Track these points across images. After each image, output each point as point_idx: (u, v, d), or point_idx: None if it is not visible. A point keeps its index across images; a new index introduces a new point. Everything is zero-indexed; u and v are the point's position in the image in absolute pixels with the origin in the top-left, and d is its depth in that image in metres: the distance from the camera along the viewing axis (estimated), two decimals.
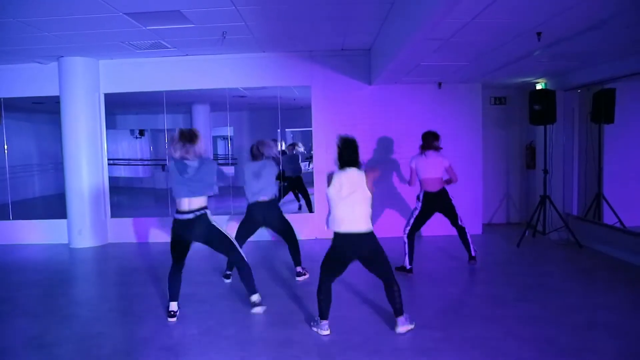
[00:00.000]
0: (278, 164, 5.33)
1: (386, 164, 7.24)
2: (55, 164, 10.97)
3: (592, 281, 5.03)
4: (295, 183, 8.84)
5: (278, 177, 5.31)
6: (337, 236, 3.70)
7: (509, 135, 8.26)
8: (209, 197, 4.10)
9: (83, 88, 7.16)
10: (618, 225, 6.14)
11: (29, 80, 7.43)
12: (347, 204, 3.63)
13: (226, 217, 7.20)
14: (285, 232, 5.27)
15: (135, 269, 5.91)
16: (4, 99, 7.72)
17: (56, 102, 7.31)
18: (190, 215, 3.97)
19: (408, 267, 5.29)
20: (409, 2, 4.25)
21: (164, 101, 7.68)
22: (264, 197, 5.07)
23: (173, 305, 4.17)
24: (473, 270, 5.45)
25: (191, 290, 4.80)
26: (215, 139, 12.48)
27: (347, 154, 3.72)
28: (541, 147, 6.94)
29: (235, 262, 4.21)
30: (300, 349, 3.52)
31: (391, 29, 5.26)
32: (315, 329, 3.81)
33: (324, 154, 7.31)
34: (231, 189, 8.00)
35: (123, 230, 7.59)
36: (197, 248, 4.30)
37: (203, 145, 4.01)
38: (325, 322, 3.78)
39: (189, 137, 3.94)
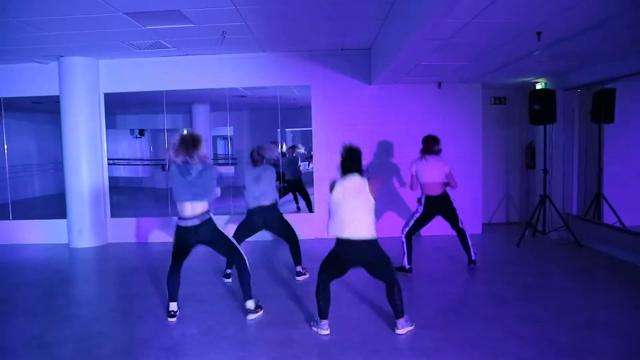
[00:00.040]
0: (278, 165, 5.33)
1: (386, 165, 7.25)
2: (55, 164, 10.97)
3: (592, 281, 5.03)
4: (295, 185, 8.85)
5: (277, 179, 5.31)
6: (340, 242, 3.69)
7: (508, 135, 8.27)
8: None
9: (83, 88, 7.16)
10: (618, 224, 6.14)
11: (29, 80, 7.43)
12: (350, 210, 3.63)
13: (226, 217, 7.20)
14: (287, 234, 5.27)
15: (135, 269, 5.91)
16: (4, 98, 7.72)
17: (56, 101, 7.31)
18: (196, 221, 3.96)
19: (407, 267, 5.29)
20: (409, 2, 4.25)
21: (164, 101, 7.68)
22: (264, 202, 5.07)
23: (173, 305, 4.16)
24: (473, 270, 5.45)
25: (191, 290, 4.81)
26: (215, 138, 12.47)
27: (350, 162, 3.74)
28: (541, 146, 6.94)
29: (237, 265, 4.20)
30: (300, 349, 3.52)
31: (391, 28, 5.26)
32: (315, 329, 3.81)
33: (324, 154, 7.31)
34: (231, 189, 8.00)
35: (123, 230, 7.59)
36: (197, 248, 4.29)
37: (206, 149, 4.00)
38: (325, 321, 3.78)
39: (192, 142, 3.91)
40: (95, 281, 5.85)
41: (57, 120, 7.32)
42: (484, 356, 3.34)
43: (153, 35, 5.95)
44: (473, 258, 5.46)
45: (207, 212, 4.04)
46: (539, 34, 4.25)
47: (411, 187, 5.42)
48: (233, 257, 4.21)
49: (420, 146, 5.41)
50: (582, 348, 3.42)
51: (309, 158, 9.48)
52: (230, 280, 5.18)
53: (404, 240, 5.31)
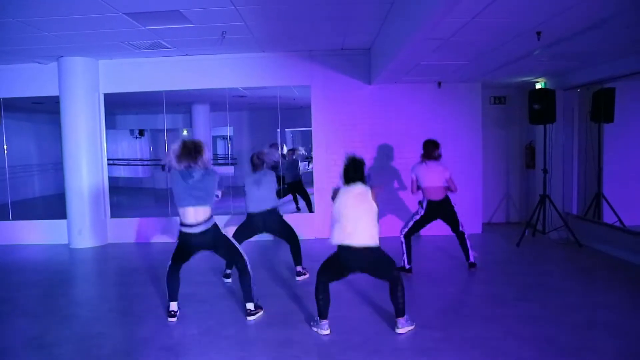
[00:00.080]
0: (278, 167, 5.33)
1: (386, 166, 7.25)
2: (55, 164, 10.97)
3: (591, 280, 5.03)
4: (295, 186, 8.87)
5: (278, 183, 5.33)
6: (342, 248, 3.69)
7: (508, 135, 8.26)
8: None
9: (83, 88, 7.16)
10: (618, 224, 6.14)
11: (29, 80, 7.43)
12: (353, 218, 3.63)
13: (226, 217, 7.20)
14: (288, 235, 5.28)
15: (135, 269, 5.91)
16: (4, 99, 7.71)
17: (56, 102, 7.31)
18: (201, 228, 3.95)
19: (407, 267, 5.29)
20: (408, 2, 4.25)
21: (164, 101, 7.68)
22: (265, 207, 5.07)
23: (173, 305, 4.16)
24: (473, 270, 5.44)
25: (191, 290, 4.80)
26: (215, 139, 12.47)
27: (354, 173, 3.75)
28: (541, 146, 6.94)
29: (239, 267, 4.19)
30: (300, 349, 3.52)
31: (391, 28, 5.26)
32: (315, 329, 3.81)
33: (323, 154, 7.30)
34: (231, 189, 8.00)
35: (123, 231, 7.59)
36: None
37: (208, 155, 3.98)
38: (325, 321, 3.78)
39: (194, 148, 3.88)
40: (95, 281, 5.85)
41: (57, 121, 7.32)
42: (484, 356, 3.34)
43: (153, 36, 5.95)
44: (472, 260, 5.45)
45: (211, 217, 4.03)
46: (538, 33, 4.25)
47: (412, 192, 5.43)
48: (234, 259, 4.21)
49: (420, 146, 5.41)
50: (582, 348, 3.42)
51: (308, 158, 9.48)
52: (230, 280, 5.18)
53: (403, 240, 5.31)
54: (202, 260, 5.89)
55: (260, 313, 4.19)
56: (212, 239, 4.05)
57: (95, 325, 4.11)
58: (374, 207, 3.69)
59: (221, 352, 3.52)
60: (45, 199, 11.49)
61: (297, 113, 9.13)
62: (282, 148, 9.17)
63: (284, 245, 5.70)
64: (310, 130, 7.46)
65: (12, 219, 7.87)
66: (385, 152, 7.30)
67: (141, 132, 13.31)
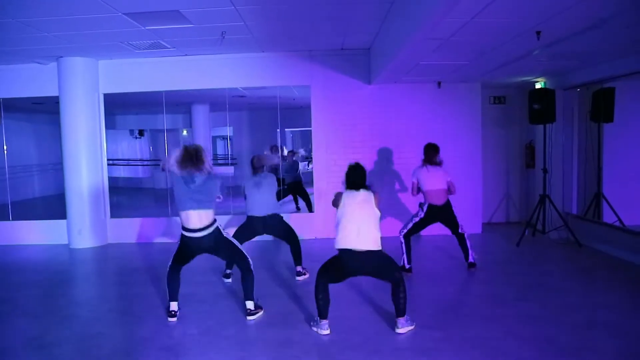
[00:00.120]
0: (278, 169, 5.34)
1: (386, 167, 7.25)
2: (55, 164, 10.96)
3: (591, 280, 5.03)
4: (295, 186, 8.87)
5: (278, 185, 5.34)
6: (344, 251, 3.71)
7: (508, 135, 8.26)
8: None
9: (82, 88, 7.16)
10: (618, 224, 6.14)
11: (29, 80, 7.43)
12: (355, 222, 3.66)
13: (226, 217, 7.20)
14: (288, 236, 5.28)
15: (135, 269, 5.91)
16: (3, 99, 7.72)
17: (56, 102, 7.31)
18: (205, 232, 3.96)
19: (407, 266, 5.30)
20: (408, 2, 4.25)
21: (164, 101, 7.68)
22: (266, 211, 5.07)
23: (173, 305, 4.16)
24: (473, 270, 5.44)
25: (191, 290, 4.80)
26: (214, 139, 12.47)
27: (355, 178, 3.80)
28: (541, 146, 6.94)
29: (243, 268, 4.18)
30: (300, 349, 3.52)
31: (391, 28, 5.26)
32: (315, 329, 3.81)
33: (323, 154, 7.30)
34: (231, 190, 8.00)
35: (123, 231, 7.59)
36: None
37: (210, 160, 3.97)
38: (325, 321, 3.78)
39: (195, 155, 3.86)
40: (95, 281, 5.84)
41: (57, 121, 7.32)
42: (484, 356, 3.34)
43: (152, 36, 5.95)
44: (471, 260, 5.45)
45: (214, 222, 4.02)
46: (538, 33, 4.25)
47: (412, 194, 5.45)
48: (237, 261, 4.21)
49: (419, 146, 5.42)
50: (582, 348, 3.42)
51: (308, 158, 9.48)
52: (230, 280, 5.18)
53: (402, 240, 5.32)
54: (202, 260, 5.86)
55: (260, 313, 4.19)
56: (214, 242, 4.05)
57: (95, 326, 4.11)
58: (376, 213, 3.73)
59: (221, 352, 3.52)
60: (45, 199, 11.49)
61: (297, 113, 9.13)
62: (282, 150, 9.18)
63: (284, 245, 5.70)
64: (310, 130, 7.46)
65: (12, 219, 7.87)
66: (385, 152, 7.30)
67: (141, 132, 13.30)
